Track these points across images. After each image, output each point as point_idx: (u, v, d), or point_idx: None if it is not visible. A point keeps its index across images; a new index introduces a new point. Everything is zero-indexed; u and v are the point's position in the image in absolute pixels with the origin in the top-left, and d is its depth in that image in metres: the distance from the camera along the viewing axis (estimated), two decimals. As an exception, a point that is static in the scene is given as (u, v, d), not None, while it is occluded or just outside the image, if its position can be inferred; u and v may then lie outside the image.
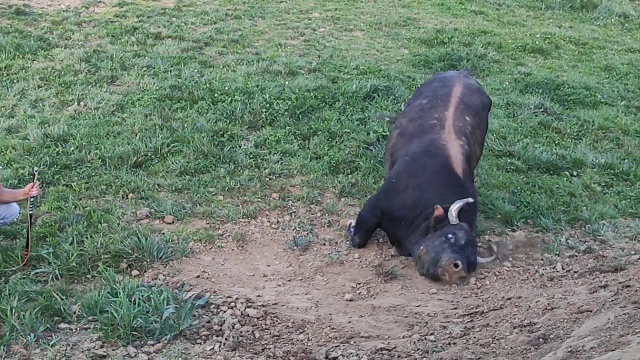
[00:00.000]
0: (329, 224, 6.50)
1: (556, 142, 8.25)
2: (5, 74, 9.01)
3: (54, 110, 8.16)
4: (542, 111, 8.91)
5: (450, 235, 5.66)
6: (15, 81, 8.84)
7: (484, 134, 6.89)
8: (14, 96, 8.43)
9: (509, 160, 7.69)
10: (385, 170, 6.73)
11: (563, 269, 5.76)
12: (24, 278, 5.21)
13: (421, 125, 6.41)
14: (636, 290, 4.66)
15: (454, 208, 5.72)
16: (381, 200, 6.16)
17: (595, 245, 6.28)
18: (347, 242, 6.22)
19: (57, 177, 6.76)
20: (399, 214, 5.98)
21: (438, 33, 11.80)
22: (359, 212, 6.34)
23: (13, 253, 5.48)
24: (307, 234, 6.31)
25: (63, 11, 11.62)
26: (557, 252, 6.13)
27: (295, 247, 6.11)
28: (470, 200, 5.83)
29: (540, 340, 4.31)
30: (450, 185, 5.95)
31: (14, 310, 4.66)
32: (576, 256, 6.04)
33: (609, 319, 4.15)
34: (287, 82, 9.08)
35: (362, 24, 12.22)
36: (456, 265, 5.54)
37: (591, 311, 4.54)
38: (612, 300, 4.62)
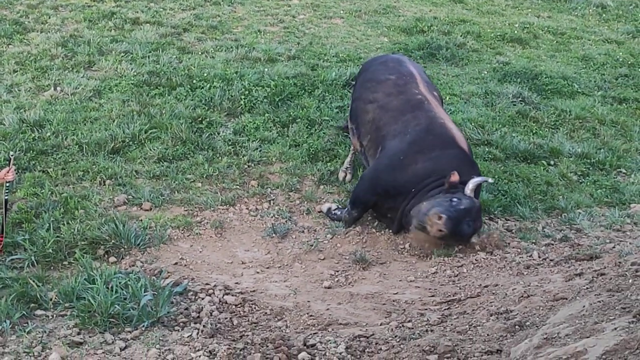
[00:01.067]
0: (308, 211, 6.50)
1: (534, 132, 8.30)
2: (-21, 58, 8.87)
3: (29, 95, 8.05)
4: (520, 100, 8.96)
5: (455, 199, 5.71)
6: (-10, 66, 8.70)
7: None
8: (-11, 81, 8.30)
9: (487, 149, 7.73)
10: (357, 142, 6.78)
11: (539, 257, 5.81)
12: (-1, 264, 5.17)
13: (409, 100, 6.46)
14: (611, 279, 4.71)
15: (473, 182, 5.81)
16: (383, 176, 6.18)
17: (571, 233, 6.34)
18: (330, 225, 6.23)
19: (33, 163, 6.70)
20: (406, 187, 6.05)
21: (417, 21, 11.79)
22: (353, 190, 6.42)
23: (-12, 239, 5.42)
24: (286, 221, 6.31)
25: (39, -5, 11.44)
26: (534, 241, 6.18)
27: (273, 235, 6.11)
28: (490, 180, 5.97)
29: (517, 327, 4.36)
30: (462, 160, 6.07)
31: (-12, 296, 4.63)
32: (552, 244, 6.09)
33: (584, 306, 4.20)
34: (266, 69, 9.03)
35: (341, 12, 12.18)
36: (439, 218, 5.57)
37: (566, 299, 4.59)
38: (587, 288, 4.67)
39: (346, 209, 6.29)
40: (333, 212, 6.33)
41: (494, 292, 5.15)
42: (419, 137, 6.19)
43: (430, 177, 6.01)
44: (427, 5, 13.25)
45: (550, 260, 5.70)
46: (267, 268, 5.73)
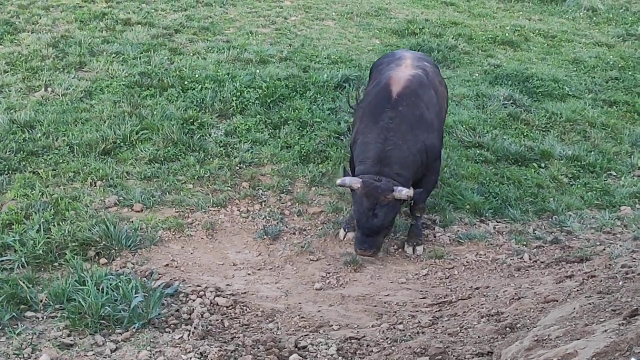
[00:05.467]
0: (300, 213, 6.50)
1: (525, 134, 8.33)
2: (-30, 59, 8.83)
3: (20, 96, 8.02)
4: (512, 103, 8.99)
5: None
6: (-20, 66, 8.67)
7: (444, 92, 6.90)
8: (-21, 81, 8.27)
9: (478, 152, 7.76)
10: None
11: (530, 259, 5.83)
12: (-11, 266, 5.14)
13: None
14: (601, 281, 4.74)
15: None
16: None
17: (562, 236, 6.37)
18: (322, 227, 6.23)
19: (24, 164, 6.67)
20: None
21: (409, 24, 11.82)
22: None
23: (-22, 241, 5.40)
24: (278, 223, 6.31)
25: (30, -5, 11.40)
26: (525, 243, 6.20)
27: (265, 237, 6.10)
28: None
29: (508, 329, 4.37)
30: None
31: (-22, 298, 4.60)
32: (543, 247, 6.11)
33: (574, 308, 4.21)
34: (258, 71, 9.03)
35: (333, 14, 12.19)
36: None
37: (557, 301, 4.61)
38: (577, 291, 4.69)
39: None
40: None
41: (485, 294, 5.17)
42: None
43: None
44: (418, 7, 13.28)
45: (541, 262, 5.72)
46: (259, 270, 5.72)
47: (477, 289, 5.32)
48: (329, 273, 5.73)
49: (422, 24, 11.89)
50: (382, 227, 5.74)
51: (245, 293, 5.26)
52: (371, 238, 5.75)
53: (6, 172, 6.50)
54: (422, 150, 5.93)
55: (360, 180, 5.68)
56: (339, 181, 5.85)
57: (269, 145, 7.46)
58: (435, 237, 6.33)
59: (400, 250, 6.22)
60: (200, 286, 5.19)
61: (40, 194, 6.16)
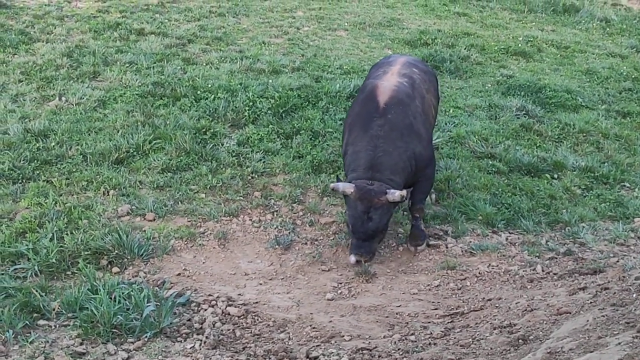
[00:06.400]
0: (311, 223, 6.50)
1: (537, 145, 8.30)
2: (-15, 68, 8.92)
3: (34, 105, 8.08)
4: (524, 114, 8.97)
5: None
6: (-5, 75, 8.75)
7: (437, 94, 6.98)
8: (-6, 90, 8.35)
9: (490, 162, 7.73)
10: None
11: (543, 270, 5.80)
12: (2, 274, 5.16)
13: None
14: (614, 293, 4.70)
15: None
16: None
17: (575, 247, 6.33)
18: (333, 237, 6.22)
19: (38, 172, 6.71)
20: None
21: (421, 34, 11.83)
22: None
23: (-8, 249, 5.43)
24: (289, 233, 6.31)
25: (45, 5, 11.53)
26: (537, 254, 6.17)
27: (277, 246, 6.11)
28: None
29: (520, 341, 4.34)
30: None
31: (-8, 306, 4.62)
32: (556, 258, 6.08)
33: (587, 320, 4.18)
34: (270, 81, 9.06)
35: (346, 24, 12.23)
36: None
37: (570, 313, 4.58)
38: (590, 302, 4.66)
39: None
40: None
41: (497, 305, 5.14)
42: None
43: None
44: (431, 18, 13.30)
45: (554, 274, 5.69)
46: (270, 279, 5.72)
47: (489, 300, 5.29)
48: (341, 283, 5.73)
49: (434, 34, 11.90)
50: (377, 230, 5.82)
51: (256, 302, 5.26)
52: (367, 243, 5.83)
53: (20, 181, 6.55)
54: (412, 157, 6.03)
55: (353, 185, 5.77)
56: (331, 185, 5.94)
57: (281, 154, 7.48)
58: (447, 247, 6.31)
59: (410, 262, 6.20)
60: (211, 295, 5.20)
61: (54, 202, 6.19)
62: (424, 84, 6.52)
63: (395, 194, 5.70)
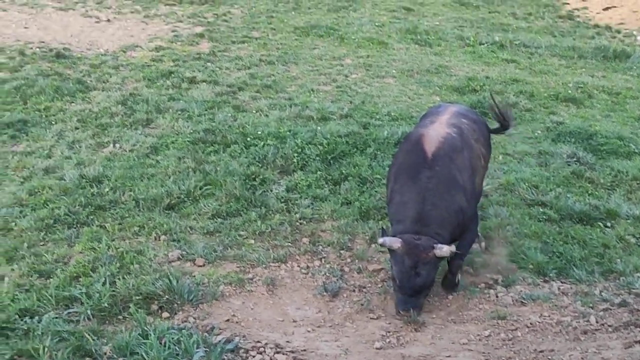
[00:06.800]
0: (359, 270, 6.48)
1: (589, 192, 8.17)
2: (44, 116, 9.26)
3: (90, 151, 8.32)
4: (575, 161, 8.86)
5: None
6: (53, 122, 9.08)
7: (487, 143, 6.88)
8: (52, 137, 8.65)
9: (541, 210, 7.63)
10: None
11: (597, 322, 5.65)
12: (56, 317, 5.25)
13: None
14: (673, 346, 4.57)
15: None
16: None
17: (630, 298, 6.16)
18: (382, 285, 6.18)
19: (92, 217, 6.86)
20: None
21: (469, 80, 11.85)
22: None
23: (47, 292, 5.54)
24: (337, 279, 6.29)
25: (101, 55, 11.92)
26: (591, 305, 6.03)
27: (325, 293, 6.09)
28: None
29: (574, 395, 4.23)
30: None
31: (46, 349, 4.71)
32: (610, 309, 5.93)
33: (645, 375, 4.07)
34: (319, 128, 9.16)
35: (393, 71, 12.33)
36: None
37: (626, 367, 4.46)
38: (648, 356, 4.53)
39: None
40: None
41: (550, 357, 5.03)
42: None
43: None
44: (479, 64, 13.32)
45: (609, 325, 5.55)
46: (318, 327, 5.70)
47: (541, 352, 5.18)
48: (389, 332, 5.67)
49: (482, 80, 11.92)
50: (424, 286, 5.73)
51: (304, 350, 5.24)
52: (413, 298, 5.74)
53: (75, 226, 6.71)
54: (458, 210, 5.93)
55: (399, 240, 5.67)
56: (379, 240, 5.86)
57: (329, 201, 7.51)
58: (497, 297, 6.21)
59: (459, 311, 6.12)
60: (260, 342, 5.20)
61: (107, 247, 6.31)
62: (472, 134, 6.47)
63: (443, 249, 5.61)
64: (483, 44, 14.61)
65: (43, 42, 12.19)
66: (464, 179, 6.07)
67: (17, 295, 5.53)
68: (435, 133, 6.15)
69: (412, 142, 6.20)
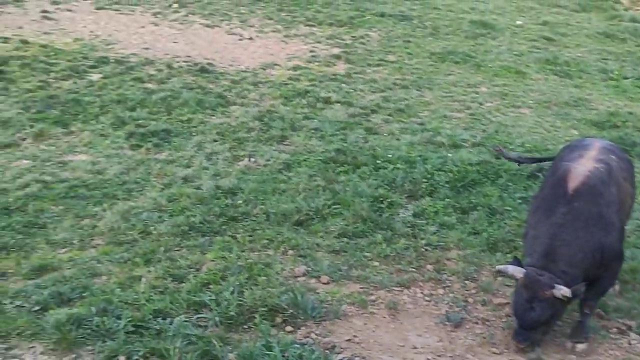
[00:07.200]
0: (484, 302, 6.36)
1: None
2: (186, 127, 9.73)
3: (226, 163, 8.66)
4: None
5: None
6: (194, 134, 9.53)
7: (633, 182, 6.58)
8: (192, 148, 9.08)
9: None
10: None
11: None
12: (186, 321, 5.49)
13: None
14: None
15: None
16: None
17: None
18: (506, 319, 6.05)
19: (224, 227, 7.13)
20: None
21: (611, 116, 11.39)
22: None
23: (179, 296, 5.81)
24: (460, 310, 6.21)
25: (242, 71, 12.36)
26: None
27: (447, 322, 6.02)
28: None
29: None
30: None
31: (177, 350, 4.93)
32: None
33: None
34: (449, 154, 9.10)
35: (530, 102, 12.04)
36: None
37: None
38: None
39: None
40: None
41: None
42: None
43: None
44: (622, 99, 12.77)
45: None
46: (439, 356, 5.63)
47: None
48: (512, 368, 5.53)
49: (624, 116, 11.42)
50: (537, 322, 5.56)
51: (423, 378, 5.21)
52: (530, 332, 5.61)
53: (208, 234, 7.00)
54: (597, 249, 5.68)
55: (523, 270, 5.60)
56: (499, 267, 5.83)
57: (456, 229, 7.43)
58: (629, 344, 5.92)
59: (587, 355, 5.87)
60: (379, 365, 5.21)
61: (237, 257, 6.53)
62: (621, 172, 6.22)
63: (561, 290, 5.44)
64: (628, 78, 13.97)
65: (189, 56, 12.80)
66: (611, 214, 5.83)
67: (152, 296, 5.84)
68: (582, 168, 5.96)
69: (556, 176, 6.05)
